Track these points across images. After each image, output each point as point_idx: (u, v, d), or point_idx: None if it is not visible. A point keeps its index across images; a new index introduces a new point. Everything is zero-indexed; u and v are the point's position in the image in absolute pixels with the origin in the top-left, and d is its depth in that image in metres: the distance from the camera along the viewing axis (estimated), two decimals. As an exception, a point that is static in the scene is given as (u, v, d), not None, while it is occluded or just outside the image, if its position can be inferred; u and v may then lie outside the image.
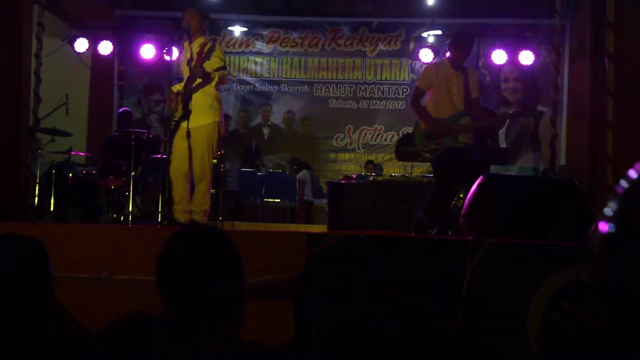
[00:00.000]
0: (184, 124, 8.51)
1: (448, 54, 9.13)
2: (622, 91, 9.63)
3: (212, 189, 10.93)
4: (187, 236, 2.81)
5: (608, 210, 1.64)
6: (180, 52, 8.98)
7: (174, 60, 10.25)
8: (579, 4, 13.81)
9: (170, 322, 2.58)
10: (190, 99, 8.55)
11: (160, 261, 2.75)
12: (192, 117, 8.49)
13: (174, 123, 8.59)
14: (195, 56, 8.64)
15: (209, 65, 8.58)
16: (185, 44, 8.78)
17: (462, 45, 8.96)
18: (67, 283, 6.17)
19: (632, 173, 1.64)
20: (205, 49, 8.66)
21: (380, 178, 12.04)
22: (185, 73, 8.66)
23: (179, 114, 8.58)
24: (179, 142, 8.56)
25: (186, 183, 8.73)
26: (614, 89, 9.46)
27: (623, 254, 1.59)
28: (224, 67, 8.73)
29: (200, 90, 8.60)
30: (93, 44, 15.17)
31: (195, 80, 8.58)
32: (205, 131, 8.65)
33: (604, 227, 1.63)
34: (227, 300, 2.70)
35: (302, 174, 15.30)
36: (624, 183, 1.65)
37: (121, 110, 13.23)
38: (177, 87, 8.75)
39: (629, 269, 1.57)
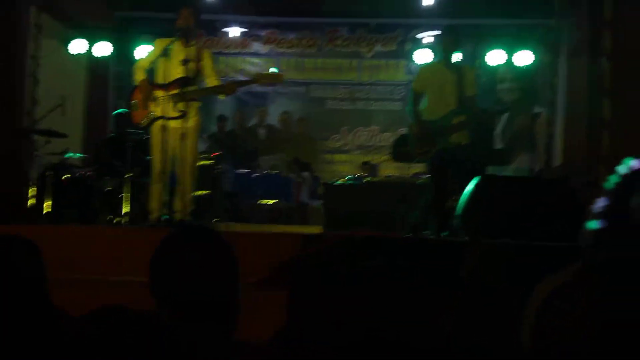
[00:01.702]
0: (172, 124, 8.51)
1: (440, 53, 9.17)
2: (619, 91, 9.64)
3: (208, 190, 10.94)
4: (182, 237, 2.80)
5: (597, 207, 1.64)
6: (162, 50, 8.88)
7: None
8: (576, 4, 13.80)
9: (160, 320, 2.57)
10: (188, 99, 8.57)
11: (154, 262, 2.74)
12: (184, 117, 8.52)
13: (146, 120, 8.59)
14: (193, 58, 8.66)
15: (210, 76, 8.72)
16: (178, 44, 8.76)
17: (448, 34, 9.02)
18: (63, 285, 6.17)
19: (622, 169, 1.64)
20: (206, 60, 8.76)
21: (375, 179, 12.05)
22: (175, 73, 8.64)
23: (160, 111, 8.58)
24: (167, 142, 8.56)
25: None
26: (610, 89, 9.48)
27: (613, 249, 1.59)
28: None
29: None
30: (90, 45, 15.14)
31: (197, 83, 8.66)
32: (195, 131, 8.73)
33: (593, 223, 1.63)
34: (222, 302, 2.70)
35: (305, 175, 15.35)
36: (613, 178, 1.65)
37: (117, 111, 13.21)
38: (143, 64, 8.83)
39: (618, 264, 1.57)
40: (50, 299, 3.22)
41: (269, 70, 16.57)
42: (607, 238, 1.63)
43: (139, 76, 8.94)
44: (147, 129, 8.70)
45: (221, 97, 8.98)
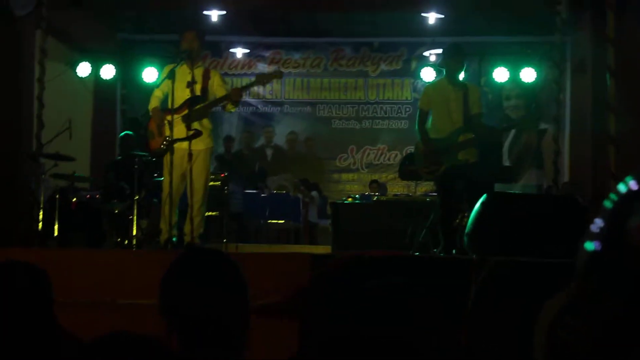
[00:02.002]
0: (183, 146, 8.53)
1: (445, 72, 9.16)
2: (624, 106, 9.64)
3: (216, 211, 10.95)
4: (192, 260, 2.80)
5: (594, 227, 1.63)
6: (168, 74, 8.88)
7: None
8: (580, 20, 13.82)
9: (168, 345, 2.57)
10: (197, 120, 8.60)
11: (163, 285, 2.74)
12: (194, 140, 8.53)
13: (165, 143, 8.60)
14: (200, 79, 8.69)
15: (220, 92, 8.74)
16: (184, 67, 8.78)
17: (450, 55, 9.02)
18: (72, 308, 6.17)
19: (621, 187, 1.63)
20: (214, 77, 8.79)
21: (383, 198, 12.05)
22: (183, 95, 8.65)
23: (174, 134, 8.59)
24: (178, 164, 8.58)
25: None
26: (615, 105, 9.48)
27: (608, 272, 1.58)
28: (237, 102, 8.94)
29: (205, 119, 8.71)
30: (95, 68, 15.18)
31: (205, 101, 8.67)
32: (206, 155, 8.76)
33: (589, 244, 1.62)
34: (231, 325, 2.70)
35: (314, 194, 15.39)
36: (612, 197, 1.64)
37: (123, 133, 13.23)
38: (157, 93, 8.87)
39: (614, 287, 1.57)
40: (57, 323, 3.22)
41: (274, 89, 16.75)
42: (602, 260, 1.62)
43: (152, 105, 8.97)
44: (165, 153, 8.67)
45: (231, 109, 8.94)
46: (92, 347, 2.23)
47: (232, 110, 9.02)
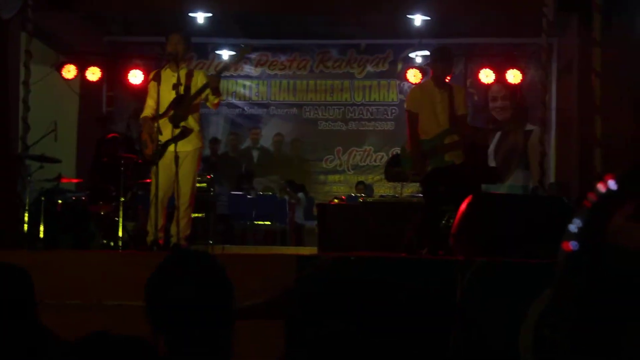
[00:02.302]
0: (171, 148, 8.52)
1: (430, 73, 9.18)
2: (609, 108, 9.68)
3: (202, 212, 10.94)
4: (178, 262, 2.80)
5: (573, 227, 1.63)
6: (153, 77, 8.87)
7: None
8: (565, 22, 13.87)
9: (154, 346, 2.57)
10: (182, 119, 8.58)
11: (149, 286, 2.74)
12: (180, 142, 8.52)
13: (159, 147, 8.58)
14: (184, 81, 8.67)
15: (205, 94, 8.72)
16: (169, 70, 8.76)
17: (440, 59, 9.02)
18: (58, 309, 6.16)
19: (601, 187, 1.64)
20: (197, 76, 8.77)
21: (370, 199, 12.05)
22: (169, 98, 8.62)
23: (164, 137, 8.58)
24: (167, 166, 8.56)
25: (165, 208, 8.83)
26: (600, 106, 9.51)
27: (586, 273, 1.58)
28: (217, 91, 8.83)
29: (191, 117, 8.65)
30: (81, 70, 15.14)
31: (188, 101, 8.63)
32: (193, 157, 8.73)
33: (567, 244, 1.63)
34: (217, 326, 2.70)
35: (300, 196, 15.40)
36: (591, 197, 1.64)
37: (109, 135, 13.20)
38: (150, 102, 8.84)
39: (591, 288, 1.57)
40: (40, 323, 3.22)
41: (260, 90, 16.76)
42: (581, 260, 1.62)
43: (144, 113, 8.94)
44: (159, 157, 8.63)
45: (214, 100, 8.82)
46: (75, 347, 2.23)
47: (215, 101, 8.88)
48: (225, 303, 2.74)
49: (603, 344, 1.56)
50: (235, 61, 8.96)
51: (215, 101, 8.84)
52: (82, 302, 6.79)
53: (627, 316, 1.54)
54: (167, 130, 8.57)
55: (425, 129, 8.84)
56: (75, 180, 12.13)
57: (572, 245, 1.62)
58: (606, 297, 1.56)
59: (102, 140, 12.97)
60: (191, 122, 8.70)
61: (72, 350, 2.22)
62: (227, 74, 16.50)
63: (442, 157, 8.73)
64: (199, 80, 8.77)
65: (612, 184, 1.63)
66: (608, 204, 1.62)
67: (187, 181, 8.67)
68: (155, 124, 8.61)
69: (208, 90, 8.70)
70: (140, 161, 9.85)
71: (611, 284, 1.55)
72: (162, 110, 8.62)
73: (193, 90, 8.70)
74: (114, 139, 12.53)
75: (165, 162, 8.59)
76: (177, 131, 8.52)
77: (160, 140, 8.55)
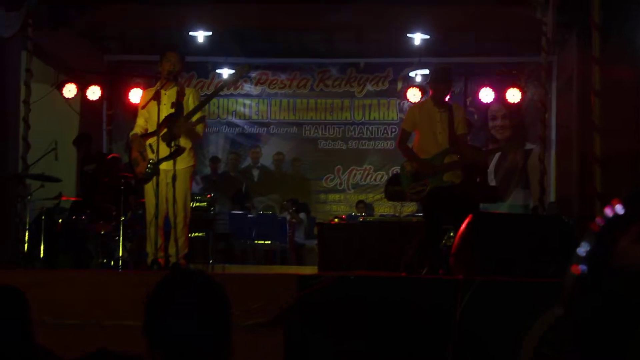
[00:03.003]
0: (163, 166, 8.50)
1: (430, 93, 9.17)
2: (609, 127, 9.68)
3: (203, 231, 10.94)
4: (175, 281, 2.80)
5: (581, 250, 1.63)
6: (153, 97, 8.84)
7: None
8: (564, 41, 13.90)
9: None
10: (175, 138, 8.56)
11: (147, 305, 2.73)
12: (173, 160, 8.51)
13: (150, 166, 8.55)
14: (175, 98, 8.65)
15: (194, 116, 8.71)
16: (164, 88, 8.74)
17: (441, 80, 9.02)
18: (57, 329, 6.15)
19: (608, 211, 1.64)
20: (189, 94, 8.79)
21: (370, 218, 12.05)
22: (161, 117, 8.58)
23: (160, 155, 8.57)
24: (161, 185, 8.54)
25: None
26: (600, 125, 9.51)
27: (594, 297, 1.58)
28: (204, 118, 8.85)
29: (183, 135, 8.63)
30: (81, 89, 15.15)
31: (183, 118, 8.61)
32: (186, 174, 8.71)
33: (576, 268, 1.62)
34: (214, 345, 2.69)
35: (302, 216, 15.41)
36: (599, 221, 1.64)
37: (109, 155, 13.23)
38: (140, 122, 8.84)
39: (600, 312, 1.57)
40: (35, 343, 3.21)
41: (260, 109, 16.78)
42: (588, 284, 1.62)
43: (133, 131, 8.93)
44: (152, 176, 8.60)
45: (199, 128, 8.85)
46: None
47: (200, 130, 8.89)
48: (222, 321, 2.74)
49: None
50: (233, 80, 8.95)
51: (200, 130, 8.89)
52: (81, 322, 6.78)
53: (631, 338, 1.54)
54: (161, 149, 8.55)
55: (424, 148, 8.83)
56: (73, 199, 12.12)
57: (581, 268, 1.62)
58: (613, 321, 1.55)
59: (86, 157, 13.02)
60: (182, 140, 8.67)
61: None
62: (227, 92, 16.55)
63: (441, 177, 8.71)
64: (190, 99, 8.79)
65: (619, 209, 1.63)
66: (615, 227, 1.62)
67: (181, 200, 8.66)
68: (149, 141, 8.62)
69: (199, 114, 8.75)
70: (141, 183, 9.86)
71: (618, 307, 1.55)
72: (154, 128, 8.62)
73: (185, 110, 8.70)
74: (114, 159, 12.54)
75: (161, 181, 8.57)
76: (173, 149, 8.51)
77: (152, 159, 8.54)
